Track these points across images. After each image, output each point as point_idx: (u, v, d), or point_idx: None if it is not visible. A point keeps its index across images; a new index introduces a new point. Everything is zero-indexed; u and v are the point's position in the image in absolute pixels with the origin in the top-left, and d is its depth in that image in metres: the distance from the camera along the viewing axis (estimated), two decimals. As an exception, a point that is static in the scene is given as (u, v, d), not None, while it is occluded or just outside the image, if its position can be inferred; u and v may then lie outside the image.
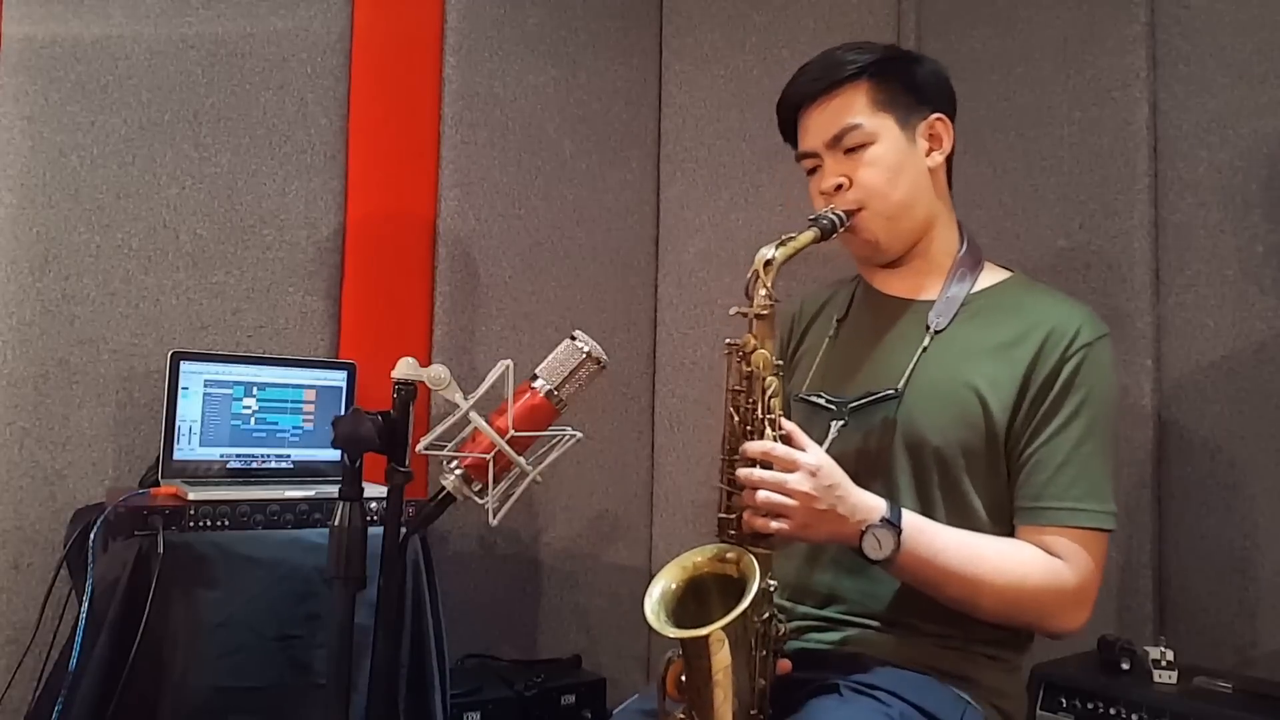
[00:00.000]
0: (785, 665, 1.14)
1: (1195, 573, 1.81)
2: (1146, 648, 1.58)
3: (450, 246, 2.21)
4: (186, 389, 1.75)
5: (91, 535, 1.49)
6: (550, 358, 1.16)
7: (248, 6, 2.01)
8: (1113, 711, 1.49)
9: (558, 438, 1.16)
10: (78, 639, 1.42)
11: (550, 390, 1.14)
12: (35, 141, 1.80)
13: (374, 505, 1.52)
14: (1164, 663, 1.54)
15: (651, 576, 1.09)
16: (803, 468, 1.08)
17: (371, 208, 2.13)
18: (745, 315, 1.16)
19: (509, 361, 1.11)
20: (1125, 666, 1.57)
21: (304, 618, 1.56)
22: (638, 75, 2.49)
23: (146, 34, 1.90)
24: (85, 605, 1.44)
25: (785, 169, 2.43)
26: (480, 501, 1.11)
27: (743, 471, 1.10)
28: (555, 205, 2.37)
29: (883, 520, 1.10)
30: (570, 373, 1.14)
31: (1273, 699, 1.45)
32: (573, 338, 1.16)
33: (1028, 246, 2.07)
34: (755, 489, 1.08)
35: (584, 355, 1.15)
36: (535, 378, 1.15)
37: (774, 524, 1.08)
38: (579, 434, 1.17)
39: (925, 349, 1.24)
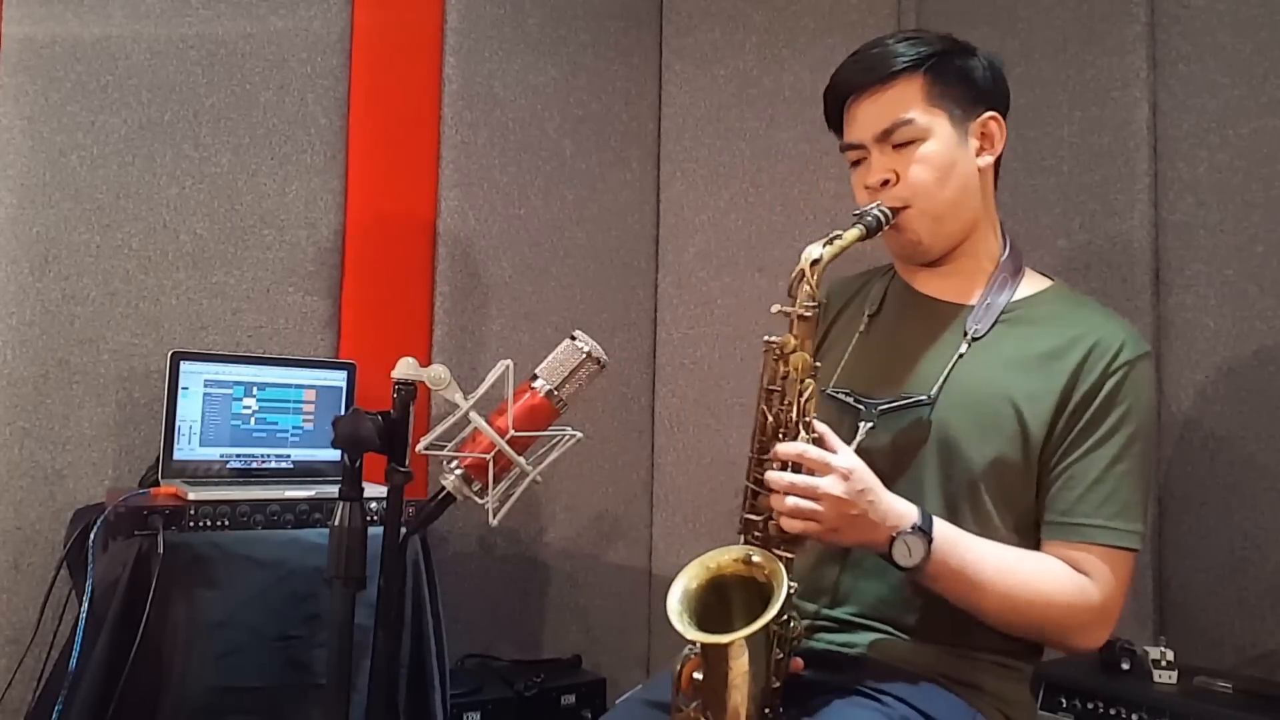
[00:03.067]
0: (798, 664, 1.12)
1: (1195, 573, 1.81)
2: (1146, 648, 1.58)
3: (450, 246, 2.21)
4: (186, 389, 1.75)
5: (91, 535, 1.49)
6: (550, 358, 1.16)
7: (248, 6, 2.01)
8: (1113, 711, 1.49)
9: (558, 438, 1.16)
10: (78, 639, 1.42)
11: (550, 390, 1.14)
12: (35, 141, 1.80)
13: (374, 505, 1.52)
14: (1164, 663, 1.54)
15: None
16: (835, 471, 1.05)
17: (371, 208, 2.13)
18: (787, 314, 1.11)
19: (509, 361, 1.11)
20: (1125, 666, 1.57)
21: (304, 618, 1.56)
22: (638, 75, 2.49)
23: (146, 34, 1.90)
24: (85, 605, 1.44)
25: (785, 169, 2.45)
26: (480, 501, 1.11)
27: (773, 474, 1.07)
28: (555, 205, 2.37)
29: (914, 527, 1.07)
30: (570, 373, 1.14)
31: (1273, 699, 1.45)
32: (573, 338, 1.16)
33: (1028, 246, 2.03)
34: (786, 492, 1.05)
35: (584, 355, 1.14)
36: (535, 378, 1.15)
37: (801, 525, 1.05)
38: (579, 434, 1.17)
39: (961, 356, 1.20)
